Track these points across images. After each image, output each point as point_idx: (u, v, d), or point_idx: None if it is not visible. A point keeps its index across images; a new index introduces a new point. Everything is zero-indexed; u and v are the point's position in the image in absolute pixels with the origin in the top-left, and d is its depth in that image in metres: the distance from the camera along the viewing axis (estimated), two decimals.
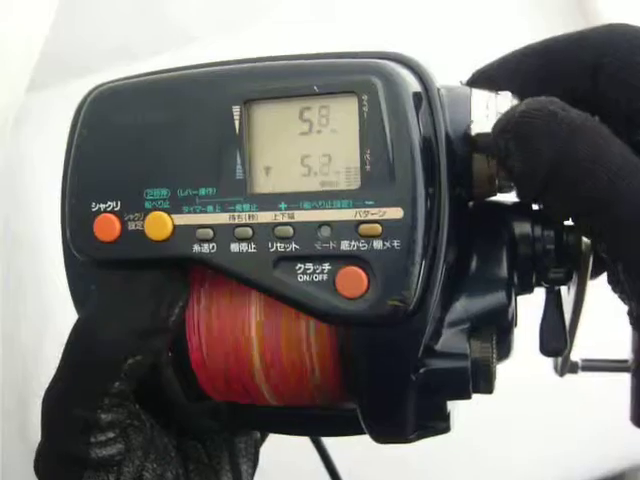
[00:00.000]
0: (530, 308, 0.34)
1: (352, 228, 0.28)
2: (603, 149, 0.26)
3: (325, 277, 0.28)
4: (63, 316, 0.31)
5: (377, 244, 0.27)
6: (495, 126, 0.27)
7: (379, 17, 0.69)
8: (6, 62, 0.48)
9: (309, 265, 0.28)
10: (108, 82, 0.31)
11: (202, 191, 0.29)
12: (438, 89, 0.29)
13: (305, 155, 0.28)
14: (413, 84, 0.28)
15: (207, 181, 0.29)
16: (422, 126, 0.28)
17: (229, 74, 0.29)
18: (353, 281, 0.28)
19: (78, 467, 0.29)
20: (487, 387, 0.30)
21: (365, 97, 0.27)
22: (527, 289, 0.32)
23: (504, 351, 0.32)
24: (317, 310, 0.28)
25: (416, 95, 0.28)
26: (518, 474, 0.67)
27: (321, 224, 0.28)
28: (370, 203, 0.27)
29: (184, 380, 0.32)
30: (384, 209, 0.27)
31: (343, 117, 0.28)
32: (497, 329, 0.31)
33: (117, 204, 0.30)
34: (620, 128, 0.28)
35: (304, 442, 0.40)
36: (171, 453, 0.33)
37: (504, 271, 0.31)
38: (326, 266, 0.28)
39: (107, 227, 0.29)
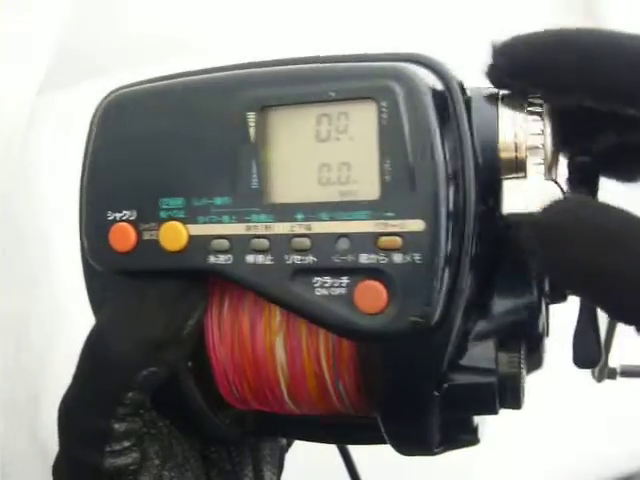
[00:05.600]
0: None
1: (371, 240, 0.26)
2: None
3: (343, 291, 0.27)
4: (74, 318, 0.31)
5: (397, 257, 0.26)
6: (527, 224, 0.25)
7: (389, 14, 0.67)
8: (19, 62, 0.48)
9: (327, 279, 0.27)
10: (121, 87, 0.30)
11: (217, 200, 0.28)
12: (464, 93, 0.27)
13: (323, 164, 0.27)
14: (435, 88, 0.27)
15: (222, 190, 0.28)
16: (445, 134, 0.26)
17: (245, 80, 0.28)
18: (372, 296, 0.27)
19: (93, 477, 0.29)
20: (515, 403, 0.29)
21: (384, 103, 0.26)
22: (560, 297, 0.31)
23: (535, 361, 0.31)
24: (335, 325, 0.27)
25: (438, 100, 0.26)
26: (525, 475, 0.65)
27: (339, 236, 0.27)
28: (390, 215, 0.26)
29: (206, 390, 0.32)
30: (404, 221, 0.26)
31: (362, 124, 0.27)
32: (526, 341, 0.29)
33: (133, 213, 0.29)
34: None
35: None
36: (190, 460, 0.32)
37: (532, 281, 0.29)
38: (344, 280, 0.27)
39: (123, 237, 0.29)
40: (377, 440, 0.33)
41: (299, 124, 0.27)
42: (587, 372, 0.35)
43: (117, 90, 0.30)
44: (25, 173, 0.52)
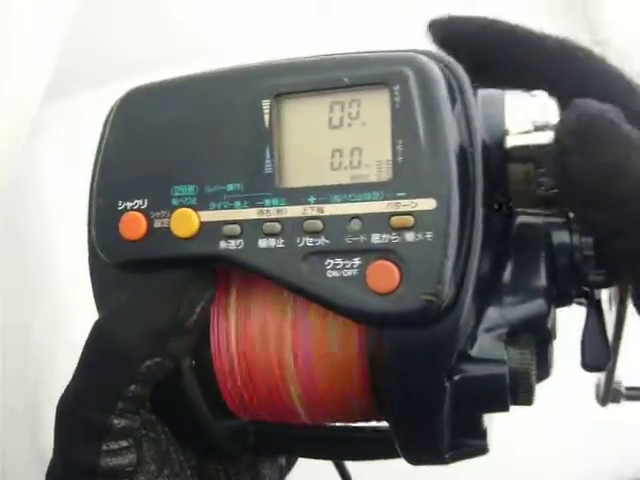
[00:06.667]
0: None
1: (383, 220, 0.27)
2: None
3: (355, 272, 0.27)
4: (75, 321, 0.30)
5: (409, 236, 0.26)
6: (560, 127, 0.26)
7: (380, 13, 0.69)
8: (21, 72, 0.49)
9: (339, 260, 0.27)
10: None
11: (230, 187, 0.28)
12: (471, 86, 0.29)
13: (335, 149, 0.28)
14: (444, 73, 0.28)
15: (235, 176, 0.28)
16: (456, 118, 0.27)
17: (259, 70, 0.29)
18: (384, 275, 0.26)
19: (87, 476, 0.28)
20: (526, 397, 0.28)
21: (397, 87, 0.27)
22: (566, 300, 0.31)
23: (544, 368, 0.30)
24: (347, 308, 0.27)
25: (448, 83, 0.27)
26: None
27: (352, 217, 0.27)
28: (402, 194, 0.27)
29: (207, 392, 0.31)
30: (416, 200, 0.26)
31: (374, 109, 0.27)
32: (535, 339, 0.29)
33: (144, 202, 0.29)
34: None
35: None
36: (187, 471, 0.31)
37: (542, 279, 0.29)
38: (356, 261, 0.27)
39: (133, 225, 0.29)
40: (383, 454, 0.32)
41: (312, 111, 0.28)
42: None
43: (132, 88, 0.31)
44: (32, 179, 0.52)
